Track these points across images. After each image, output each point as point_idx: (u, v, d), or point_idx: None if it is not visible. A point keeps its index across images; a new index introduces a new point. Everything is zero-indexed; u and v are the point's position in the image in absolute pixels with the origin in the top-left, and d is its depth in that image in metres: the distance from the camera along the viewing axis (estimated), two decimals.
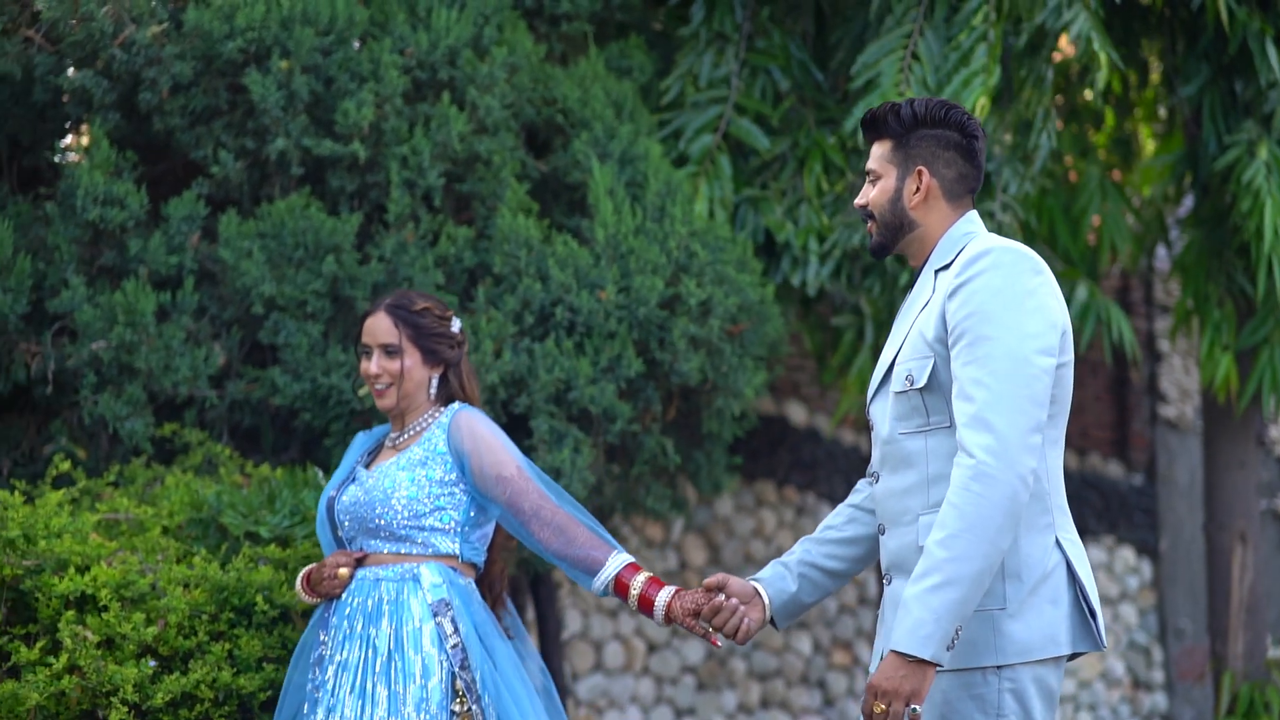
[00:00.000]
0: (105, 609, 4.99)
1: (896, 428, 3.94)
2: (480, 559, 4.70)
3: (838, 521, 4.27)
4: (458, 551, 4.61)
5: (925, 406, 3.88)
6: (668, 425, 6.72)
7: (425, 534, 4.59)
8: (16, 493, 5.23)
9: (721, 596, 4.20)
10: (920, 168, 4.02)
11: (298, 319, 6.21)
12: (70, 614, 4.93)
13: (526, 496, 4.54)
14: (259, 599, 5.09)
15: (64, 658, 4.86)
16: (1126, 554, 11.23)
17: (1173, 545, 11.38)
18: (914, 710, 3.68)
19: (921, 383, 3.87)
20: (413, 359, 4.71)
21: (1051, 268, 8.20)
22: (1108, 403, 11.38)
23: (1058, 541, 3.85)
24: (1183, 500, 11.40)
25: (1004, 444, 3.68)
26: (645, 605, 4.37)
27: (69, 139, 6.69)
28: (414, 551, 4.59)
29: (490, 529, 4.73)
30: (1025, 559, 3.82)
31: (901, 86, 6.46)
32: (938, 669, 3.74)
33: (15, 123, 6.42)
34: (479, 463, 4.58)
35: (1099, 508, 11.08)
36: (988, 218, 7.12)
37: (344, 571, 4.61)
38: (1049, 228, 8.75)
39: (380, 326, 4.73)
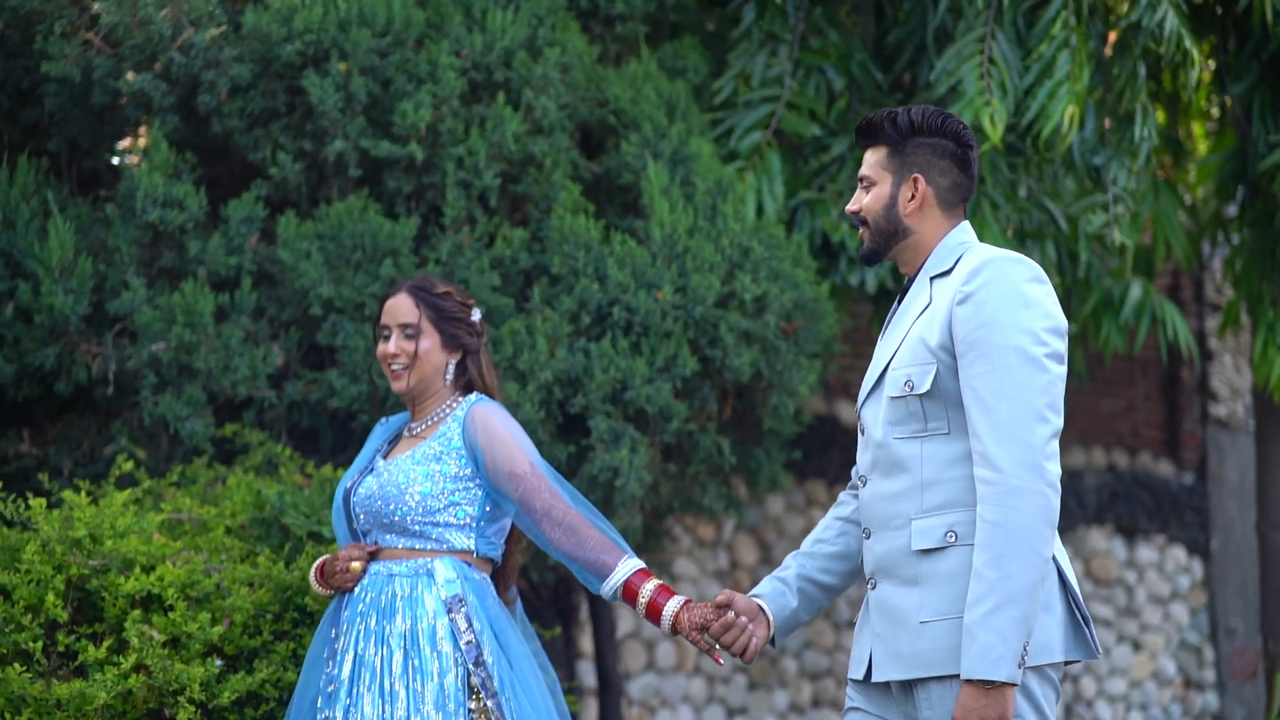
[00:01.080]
0: (171, 608, 5.01)
1: (890, 432, 3.92)
2: (497, 553, 4.63)
3: (829, 535, 4.27)
4: (473, 547, 4.54)
5: (924, 412, 3.88)
6: (723, 424, 6.72)
7: (440, 529, 4.51)
8: (82, 493, 5.26)
9: (731, 614, 4.18)
10: (916, 175, 4.02)
11: (355, 321, 6.23)
12: (136, 613, 4.95)
13: (538, 495, 4.46)
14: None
15: (131, 657, 4.87)
16: (1178, 553, 11.19)
17: (1224, 544, 11.34)
18: None
19: (923, 389, 3.86)
20: (431, 341, 4.62)
21: (1105, 268, 8.20)
22: (1158, 402, 11.35)
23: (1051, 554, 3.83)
24: (1234, 499, 11.36)
25: (1031, 455, 3.71)
26: (653, 613, 4.30)
27: (128, 141, 6.71)
28: (428, 547, 4.52)
29: (507, 523, 4.65)
30: None
31: (986, 95, 6.43)
32: (951, 679, 3.76)
33: (74, 125, 6.46)
34: (492, 458, 4.50)
35: (1150, 507, 11.04)
36: (1101, 210, 7.11)
37: (356, 565, 4.55)
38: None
39: (401, 307, 4.65)
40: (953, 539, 3.81)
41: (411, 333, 4.61)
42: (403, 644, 4.44)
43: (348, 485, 4.67)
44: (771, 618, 4.21)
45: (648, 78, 6.89)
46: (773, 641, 4.24)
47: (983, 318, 3.80)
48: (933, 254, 4.02)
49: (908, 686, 3.91)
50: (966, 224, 4.09)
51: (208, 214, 6.39)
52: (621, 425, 6.18)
